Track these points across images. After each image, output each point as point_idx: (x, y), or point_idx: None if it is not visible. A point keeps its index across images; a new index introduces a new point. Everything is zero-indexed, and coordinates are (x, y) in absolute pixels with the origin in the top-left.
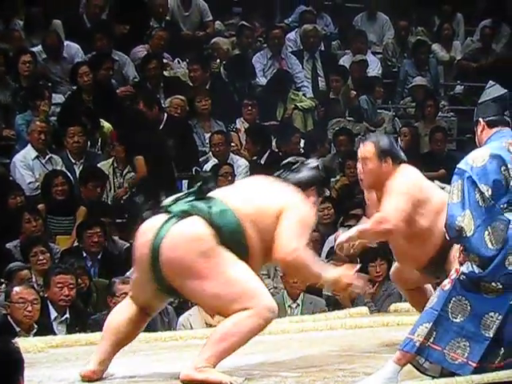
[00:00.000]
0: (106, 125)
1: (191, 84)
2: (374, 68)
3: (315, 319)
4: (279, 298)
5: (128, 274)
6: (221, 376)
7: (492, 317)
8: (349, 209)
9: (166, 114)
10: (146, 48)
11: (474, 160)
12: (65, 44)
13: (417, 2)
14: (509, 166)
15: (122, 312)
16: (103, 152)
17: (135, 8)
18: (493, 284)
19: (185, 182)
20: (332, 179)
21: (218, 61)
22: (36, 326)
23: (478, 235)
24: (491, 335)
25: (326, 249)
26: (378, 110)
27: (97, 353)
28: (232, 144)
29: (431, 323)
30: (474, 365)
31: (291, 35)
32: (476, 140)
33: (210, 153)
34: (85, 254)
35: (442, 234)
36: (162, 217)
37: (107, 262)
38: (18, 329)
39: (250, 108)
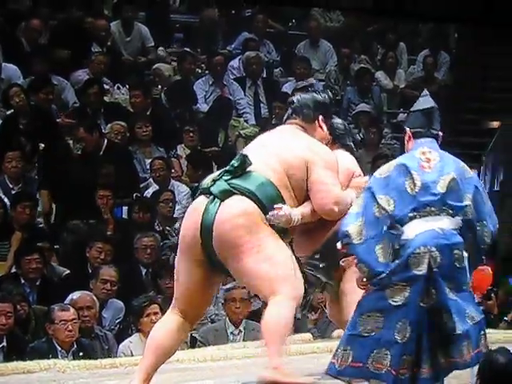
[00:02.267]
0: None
1: (132, 110)
2: None
3: (258, 345)
4: (221, 325)
5: (67, 301)
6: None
7: (404, 323)
8: None
9: (106, 140)
10: (86, 72)
11: (381, 171)
12: (2, 65)
13: (359, 30)
14: (413, 173)
15: (163, 327)
16: (39, 177)
17: (76, 32)
18: (398, 286)
19: (125, 209)
20: None
21: (160, 87)
22: None
23: (368, 246)
24: (403, 341)
25: None
26: None
27: (141, 370)
28: (173, 170)
29: (343, 346)
30: (394, 373)
31: (234, 62)
32: (405, 149)
33: (151, 179)
34: (23, 281)
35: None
36: (204, 199)
37: (46, 288)
38: None
39: (191, 134)
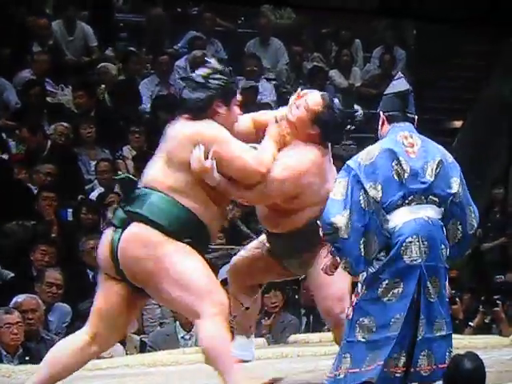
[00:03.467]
0: None
1: (76, 111)
2: (268, 94)
3: None
4: (171, 329)
5: (11, 304)
6: None
7: (398, 318)
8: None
9: (49, 141)
10: (29, 73)
11: (363, 157)
12: None
13: (312, 27)
14: (401, 159)
15: (67, 343)
16: None
17: (16, 31)
18: (390, 283)
19: (70, 211)
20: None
21: (104, 87)
22: None
23: (354, 240)
24: (396, 333)
25: None
26: None
27: (33, 380)
28: (119, 172)
29: (342, 354)
30: (382, 363)
31: (180, 62)
32: (378, 134)
33: (96, 181)
34: None
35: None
36: (110, 231)
37: None
38: None
39: (136, 135)
